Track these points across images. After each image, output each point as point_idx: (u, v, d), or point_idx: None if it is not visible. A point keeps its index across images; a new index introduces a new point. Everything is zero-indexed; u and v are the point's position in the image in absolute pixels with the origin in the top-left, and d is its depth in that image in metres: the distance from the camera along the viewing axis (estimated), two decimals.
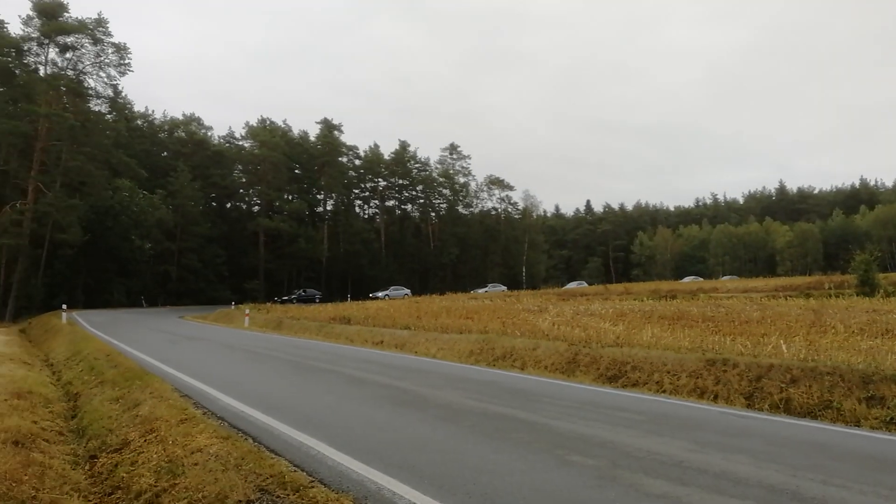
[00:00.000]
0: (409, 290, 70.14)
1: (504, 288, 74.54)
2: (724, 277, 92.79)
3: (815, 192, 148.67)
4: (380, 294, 65.77)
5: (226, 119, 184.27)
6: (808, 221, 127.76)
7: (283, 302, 56.03)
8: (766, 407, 9.33)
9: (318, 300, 60.03)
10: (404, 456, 6.58)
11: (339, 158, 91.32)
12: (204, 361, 16.53)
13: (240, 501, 5.44)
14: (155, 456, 7.11)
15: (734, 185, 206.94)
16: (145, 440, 7.88)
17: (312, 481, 5.81)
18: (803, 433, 7.66)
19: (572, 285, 78.21)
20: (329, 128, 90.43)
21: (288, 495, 5.51)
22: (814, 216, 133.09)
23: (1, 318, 47.17)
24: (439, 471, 6.03)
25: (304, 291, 65.75)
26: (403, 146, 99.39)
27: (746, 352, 11.59)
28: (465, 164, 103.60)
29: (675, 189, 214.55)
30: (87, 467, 7.90)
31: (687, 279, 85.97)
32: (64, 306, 36.69)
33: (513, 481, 5.71)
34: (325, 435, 7.44)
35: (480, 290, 69.11)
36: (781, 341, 12.20)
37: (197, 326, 33.25)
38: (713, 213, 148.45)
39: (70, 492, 6.74)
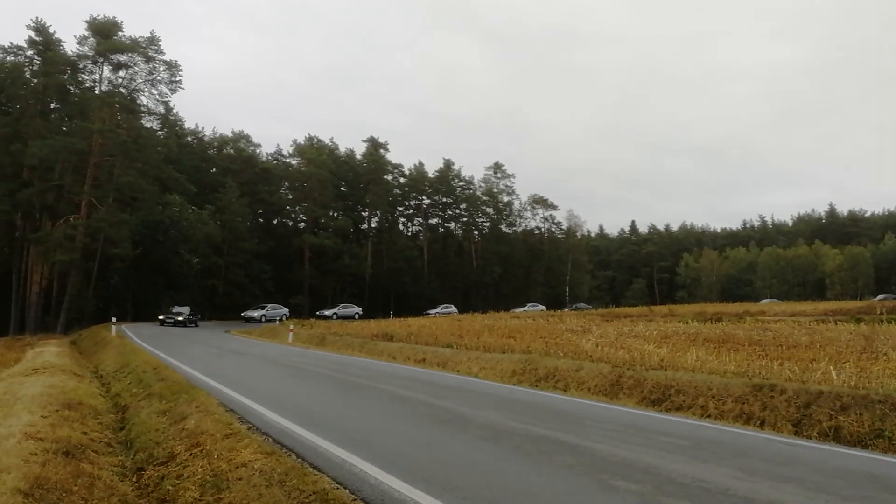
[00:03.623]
0: (360, 309, 66.75)
1: (542, 307, 73.63)
2: (765, 301, 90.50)
3: (867, 214, 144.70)
4: (327, 312, 62.44)
5: (279, 133, 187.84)
6: (859, 245, 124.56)
7: (162, 323, 49.08)
8: (814, 434, 9.10)
9: (196, 324, 51.10)
10: (447, 476, 6.56)
11: (385, 176, 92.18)
12: (249, 376, 16.75)
13: None
14: (200, 470, 7.20)
15: (785, 206, 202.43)
16: (191, 454, 7.97)
17: (355, 499, 5.81)
18: (854, 463, 7.46)
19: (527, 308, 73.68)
20: (375, 146, 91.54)
21: None
22: (865, 240, 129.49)
23: (53, 330, 48.36)
24: (482, 492, 5.99)
25: (192, 315, 52.28)
26: (448, 164, 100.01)
27: (794, 377, 11.34)
28: (509, 183, 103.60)
29: (726, 210, 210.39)
30: (134, 479, 8.01)
31: (528, 307, 79.35)
32: (114, 319, 37.46)
33: None
34: (367, 453, 7.46)
35: (519, 310, 68.71)
36: (831, 367, 11.88)
37: (242, 341, 33.71)
38: (761, 236, 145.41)
39: (118, 503, 6.86)
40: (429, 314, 63.30)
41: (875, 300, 74.65)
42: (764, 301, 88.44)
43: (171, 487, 7.07)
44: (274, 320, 56.09)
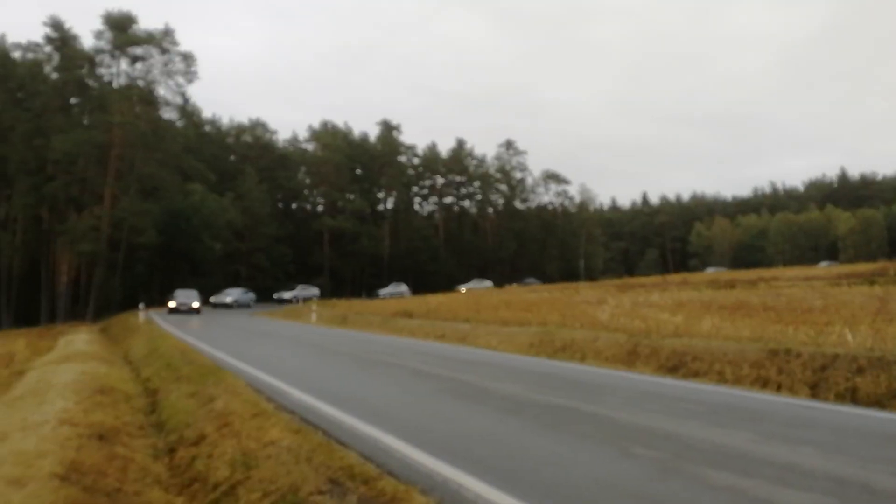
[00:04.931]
0: (317, 291, 65.62)
1: (490, 283, 72.30)
2: (710, 269, 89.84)
3: (879, 177, 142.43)
4: (286, 296, 62.52)
5: (295, 117, 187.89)
6: (871, 207, 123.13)
7: (171, 311, 42.09)
8: (831, 397, 9.11)
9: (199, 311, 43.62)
10: (469, 448, 6.69)
11: (398, 158, 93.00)
12: (274, 357, 17.00)
13: (312, 493, 5.54)
14: (230, 449, 7.29)
15: (797, 171, 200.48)
16: (220, 434, 8.07)
17: (381, 473, 5.90)
18: (872, 424, 7.50)
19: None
20: (388, 128, 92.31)
21: (358, 487, 5.59)
22: (877, 202, 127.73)
23: (82, 318, 49.18)
24: (504, 463, 6.11)
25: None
26: (460, 144, 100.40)
27: (810, 341, 11.33)
28: (521, 160, 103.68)
29: (739, 178, 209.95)
30: (166, 460, 8.14)
31: (473, 282, 73.54)
32: (141, 305, 37.89)
33: (577, 473, 5.77)
34: (392, 427, 7.60)
35: (464, 287, 67.57)
36: (846, 330, 11.85)
37: (267, 323, 34.08)
38: (772, 202, 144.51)
39: (152, 484, 6.94)
40: (378, 294, 62.68)
41: (819, 266, 75.07)
42: (709, 270, 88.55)
43: (202, 467, 7.18)
44: (247, 305, 55.92)
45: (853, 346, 10.54)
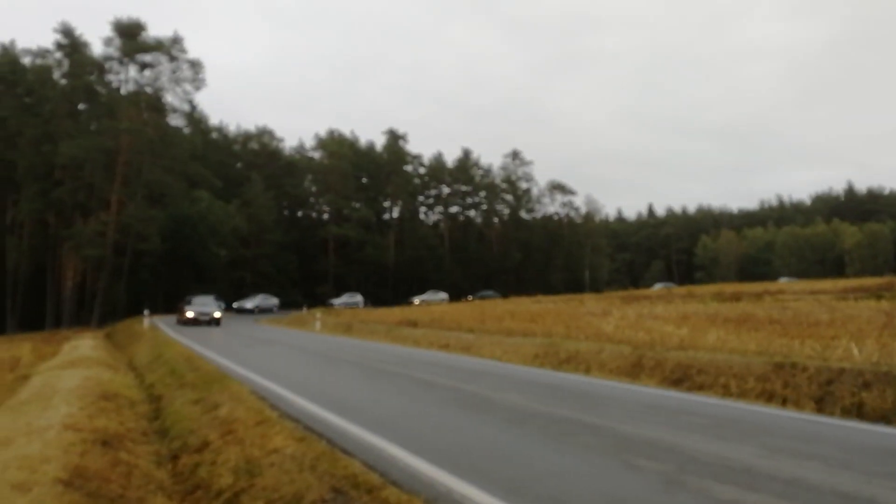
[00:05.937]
0: (277, 301, 63.36)
1: (445, 295, 71.68)
2: (658, 285, 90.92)
3: (886, 192, 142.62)
4: (248, 305, 59.81)
5: (301, 126, 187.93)
6: (878, 222, 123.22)
7: (185, 323, 36.94)
8: (837, 411, 9.05)
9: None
10: (472, 458, 6.69)
11: (405, 167, 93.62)
12: (279, 364, 17.02)
13: (315, 501, 5.56)
14: (233, 456, 7.32)
15: (804, 184, 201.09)
16: (224, 441, 8.11)
17: (385, 482, 5.89)
18: (877, 439, 7.46)
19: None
20: (394, 137, 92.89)
21: (361, 496, 5.60)
22: (884, 216, 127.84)
23: (87, 324, 49.38)
24: (507, 474, 6.10)
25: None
26: (466, 153, 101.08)
27: (816, 355, 11.28)
28: (527, 170, 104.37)
29: (746, 190, 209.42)
30: (170, 467, 8.18)
31: (427, 294, 73.62)
32: (146, 312, 37.84)
33: (580, 485, 5.75)
34: (396, 437, 7.60)
35: (418, 298, 67.18)
36: (852, 344, 11.79)
37: (271, 330, 34.09)
38: (778, 215, 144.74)
39: (155, 490, 6.98)
40: (332, 304, 61.74)
41: (779, 281, 75.99)
42: (657, 286, 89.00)
43: (205, 474, 7.20)
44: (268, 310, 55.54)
45: (859, 360, 10.47)
